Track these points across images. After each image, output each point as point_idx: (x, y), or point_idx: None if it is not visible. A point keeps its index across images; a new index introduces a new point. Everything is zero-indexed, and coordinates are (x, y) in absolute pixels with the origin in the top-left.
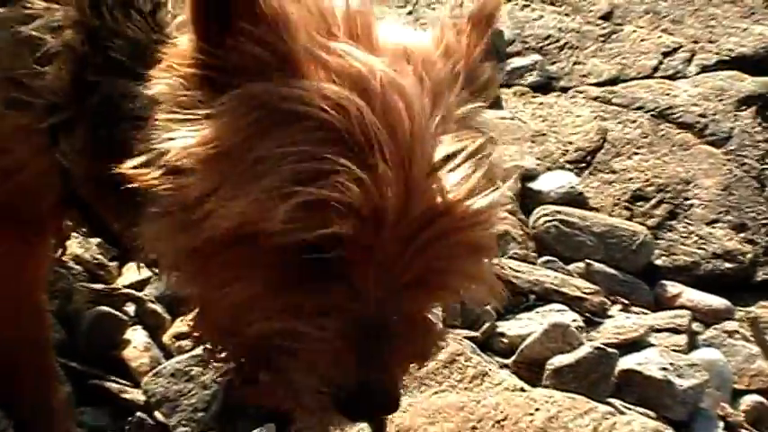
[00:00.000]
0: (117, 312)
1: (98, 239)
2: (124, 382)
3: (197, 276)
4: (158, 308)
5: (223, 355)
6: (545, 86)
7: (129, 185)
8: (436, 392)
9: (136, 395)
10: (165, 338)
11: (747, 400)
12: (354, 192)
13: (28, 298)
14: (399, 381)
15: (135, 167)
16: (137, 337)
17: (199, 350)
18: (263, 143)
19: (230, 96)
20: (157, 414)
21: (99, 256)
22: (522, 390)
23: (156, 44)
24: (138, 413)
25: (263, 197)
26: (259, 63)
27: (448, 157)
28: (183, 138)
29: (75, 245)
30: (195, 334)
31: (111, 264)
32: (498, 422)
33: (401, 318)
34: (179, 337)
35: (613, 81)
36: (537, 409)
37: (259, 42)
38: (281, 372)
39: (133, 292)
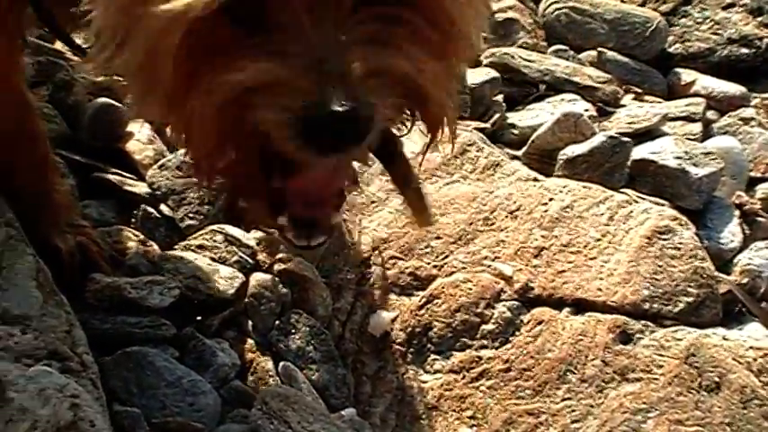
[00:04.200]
0: (118, 104)
1: None
2: (128, 174)
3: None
4: None
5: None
6: None
7: None
8: (447, 183)
9: (141, 188)
10: (168, 131)
11: (763, 188)
12: None
13: (5, 88)
14: (366, 97)
15: None
16: (139, 129)
17: None
18: None
19: None
20: (163, 207)
21: None
22: (536, 180)
23: None
24: (144, 206)
25: None
26: None
27: None
28: None
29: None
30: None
31: None
32: (512, 213)
33: (357, 38)
34: None
35: None
36: (551, 199)
37: None
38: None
39: None
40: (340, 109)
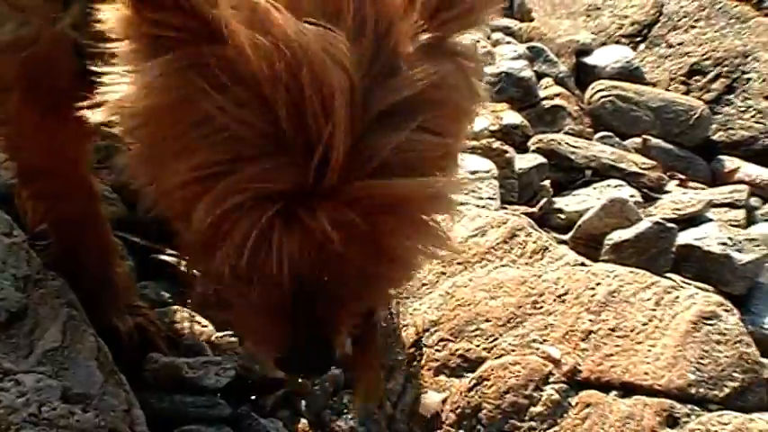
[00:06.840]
0: None
1: None
2: None
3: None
4: None
5: None
6: None
7: None
8: (497, 267)
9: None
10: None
11: None
12: (274, 174)
13: (73, 173)
14: (334, 341)
15: (89, 108)
16: None
17: None
18: (190, 113)
19: (162, 61)
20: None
21: None
22: (583, 264)
23: None
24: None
25: (187, 178)
26: (189, 30)
27: (384, 114)
28: (117, 90)
29: None
30: None
31: None
32: (559, 297)
33: (335, 281)
34: None
35: None
36: (598, 284)
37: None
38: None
39: None
40: (311, 362)
